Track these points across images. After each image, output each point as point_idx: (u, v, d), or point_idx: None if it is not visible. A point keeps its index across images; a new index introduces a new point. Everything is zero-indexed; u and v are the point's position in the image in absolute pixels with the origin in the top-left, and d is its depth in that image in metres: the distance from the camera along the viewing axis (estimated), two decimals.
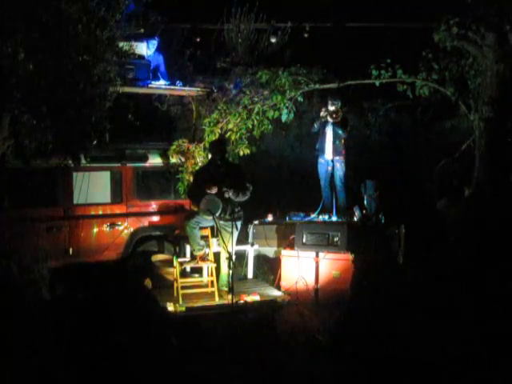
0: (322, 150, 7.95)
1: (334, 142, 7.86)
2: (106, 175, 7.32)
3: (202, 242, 6.87)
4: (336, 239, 6.95)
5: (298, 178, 9.64)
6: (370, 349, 5.01)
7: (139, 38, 8.14)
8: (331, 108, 7.81)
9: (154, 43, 8.31)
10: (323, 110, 7.90)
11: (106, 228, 7.21)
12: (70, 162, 6.95)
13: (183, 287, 6.62)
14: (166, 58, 8.74)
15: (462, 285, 5.98)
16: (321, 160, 8.01)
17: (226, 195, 6.61)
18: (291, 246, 7.23)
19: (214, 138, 7.56)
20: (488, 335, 5.08)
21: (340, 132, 7.84)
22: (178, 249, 7.03)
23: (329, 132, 7.88)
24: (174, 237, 7.01)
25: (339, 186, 7.95)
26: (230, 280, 6.03)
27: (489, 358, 4.76)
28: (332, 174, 7.97)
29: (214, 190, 6.61)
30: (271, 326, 5.63)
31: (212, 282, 6.73)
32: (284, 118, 7.84)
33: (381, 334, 5.19)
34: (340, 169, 7.94)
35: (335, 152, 7.87)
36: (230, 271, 6.10)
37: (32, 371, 3.98)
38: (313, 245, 7.05)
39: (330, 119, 7.83)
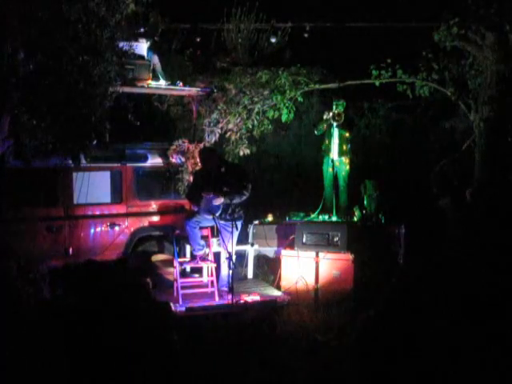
0: (328, 151, 8.01)
1: (339, 144, 7.93)
2: (106, 175, 7.31)
3: (202, 242, 6.87)
4: (336, 239, 6.95)
5: (297, 177, 9.66)
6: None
7: (139, 37, 8.11)
8: (334, 111, 7.85)
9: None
10: (326, 112, 7.97)
11: (105, 228, 7.20)
12: (70, 161, 6.95)
13: (183, 287, 6.62)
14: (165, 58, 8.69)
15: (461, 284, 5.97)
16: (326, 160, 8.08)
17: (220, 200, 6.61)
18: (291, 246, 7.22)
19: (207, 146, 7.58)
20: (488, 335, 5.07)
21: (344, 133, 7.90)
22: (178, 249, 7.03)
23: (334, 134, 7.94)
24: (174, 237, 7.01)
25: (342, 186, 8.02)
26: (230, 280, 6.03)
27: (488, 358, 4.76)
28: (336, 175, 8.01)
29: (210, 195, 6.61)
30: (271, 325, 5.62)
31: (212, 281, 6.73)
32: (284, 118, 7.86)
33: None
34: (344, 169, 7.99)
35: (340, 153, 7.94)
36: (230, 271, 6.10)
37: (31, 371, 3.98)
38: (313, 245, 7.04)
39: (333, 121, 7.86)
